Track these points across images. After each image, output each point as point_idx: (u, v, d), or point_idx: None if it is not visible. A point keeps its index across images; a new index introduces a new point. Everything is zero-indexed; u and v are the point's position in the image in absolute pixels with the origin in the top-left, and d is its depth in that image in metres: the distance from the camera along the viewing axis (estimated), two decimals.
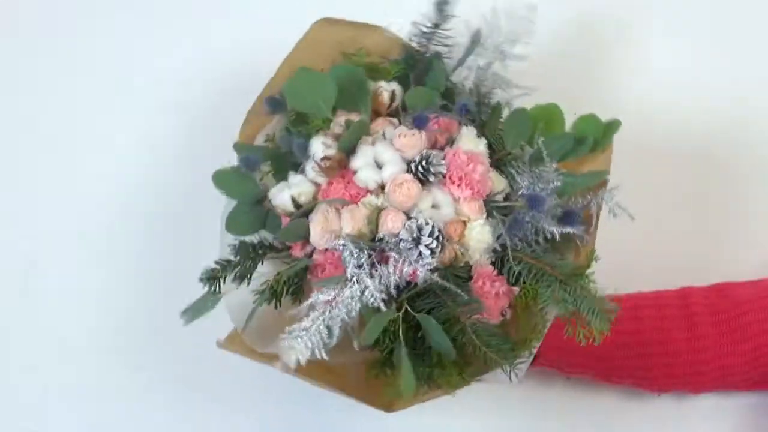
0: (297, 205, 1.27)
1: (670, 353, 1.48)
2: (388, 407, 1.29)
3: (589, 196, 1.26)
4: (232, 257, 1.29)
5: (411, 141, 1.29)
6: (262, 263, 1.30)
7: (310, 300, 1.16)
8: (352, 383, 1.28)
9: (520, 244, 1.35)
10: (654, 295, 1.54)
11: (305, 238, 1.26)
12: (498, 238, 1.34)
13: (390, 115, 1.34)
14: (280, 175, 1.37)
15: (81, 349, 1.67)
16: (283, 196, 1.28)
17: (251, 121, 1.37)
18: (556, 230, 1.34)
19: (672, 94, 1.76)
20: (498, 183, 1.38)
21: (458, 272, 1.30)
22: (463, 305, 1.20)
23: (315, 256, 1.32)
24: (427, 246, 1.26)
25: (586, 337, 1.21)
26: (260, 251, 1.32)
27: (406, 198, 1.24)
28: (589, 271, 1.25)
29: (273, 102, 1.40)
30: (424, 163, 1.31)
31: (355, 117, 1.35)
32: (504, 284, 1.32)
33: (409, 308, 1.22)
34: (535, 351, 1.25)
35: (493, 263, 1.34)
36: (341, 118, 1.37)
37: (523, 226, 1.33)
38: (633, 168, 1.45)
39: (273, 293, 1.24)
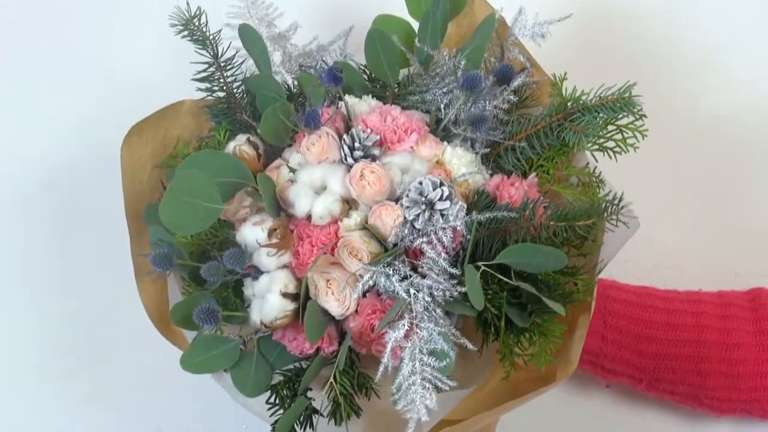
0: (292, 295, 1.14)
1: (735, 360, 1.37)
2: (552, 379, 1.18)
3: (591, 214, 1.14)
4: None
5: (322, 143, 1.17)
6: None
7: (388, 348, 1.05)
8: (499, 390, 1.22)
9: (497, 134, 1.22)
10: (718, 293, 1.49)
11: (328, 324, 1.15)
12: (473, 145, 1.22)
13: (266, 162, 1.24)
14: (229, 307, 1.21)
15: None
16: (269, 303, 1.14)
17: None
18: (507, 91, 1.23)
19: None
20: (425, 116, 1.25)
21: (481, 202, 1.16)
22: (514, 217, 1.11)
23: (353, 324, 1.13)
24: (441, 198, 1.10)
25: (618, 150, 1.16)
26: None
27: (378, 183, 1.12)
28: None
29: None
30: (356, 143, 1.16)
31: (242, 198, 1.19)
32: (520, 179, 1.19)
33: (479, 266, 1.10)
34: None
35: (495, 172, 1.21)
36: (236, 204, 1.19)
37: (483, 116, 1.20)
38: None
39: (337, 411, 1.14)
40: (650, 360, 1.42)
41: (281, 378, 1.17)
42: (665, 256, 1.58)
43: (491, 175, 1.20)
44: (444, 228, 1.10)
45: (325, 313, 1.13)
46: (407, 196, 1.11)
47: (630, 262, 1.48)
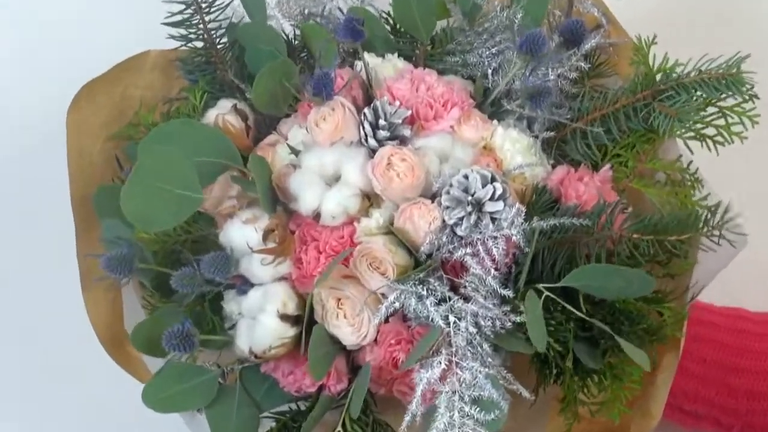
0: (292, 317, 1.08)
1: None
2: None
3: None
4: None
5: (335, 118, 1.10)
6: None
7: (418, 392, 1.00)
8: None
9: (563, 112, 1.17)
10: None
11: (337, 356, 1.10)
12: (531, 127, 1.16)
13: (256, 137, 1.19)
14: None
15: None
16: (263, 326, 1.08)
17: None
18: (576, 56, 1.17)
19: None
20: (468, 84, 1.19)
21: (541, 203, 1.10)
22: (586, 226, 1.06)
23: (370, 356, 1.08)
24: (492, 197, 1.03)
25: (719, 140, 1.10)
26: None
27: (410, 174, 1.05)
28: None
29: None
30: (380, 120, 1.08)
31: (227, 184, 1.13)
32: (590, 173, 1.13)
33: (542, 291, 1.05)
34: None
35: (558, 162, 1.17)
36: (217, 192, 1.14)
37: (545, 88, 1.14)
38: None
39: None
40: (742, 400, 1.35)
41: (272, 424, 1.12)
42: (760, 271, 1.51)
43: (553, 167, 1.14)
44: (495, 237, 1.03)
45: (335, 341, 1.07)
46: (448, 193, 1.04)
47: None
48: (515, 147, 1.11)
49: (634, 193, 1.14)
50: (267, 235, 1.07)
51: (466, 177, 1.03)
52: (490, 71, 1.15)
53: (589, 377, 1.09)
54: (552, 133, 1.14)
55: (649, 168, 1.15)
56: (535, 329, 0.98)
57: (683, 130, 1.12)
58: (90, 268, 1.19)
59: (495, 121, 1.13)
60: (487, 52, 1.16)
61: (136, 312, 1.18)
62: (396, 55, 1.19)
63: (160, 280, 1.12)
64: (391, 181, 1.04)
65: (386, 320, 1.05)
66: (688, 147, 1.14)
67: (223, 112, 1.15)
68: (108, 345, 1.21)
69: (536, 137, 1.14)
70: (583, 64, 1.16)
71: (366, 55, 1.16)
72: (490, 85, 1.15)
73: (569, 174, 1.11)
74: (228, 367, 1.10)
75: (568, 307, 1.03)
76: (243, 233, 1.08)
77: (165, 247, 1.15)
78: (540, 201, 1.08)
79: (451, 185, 1.03)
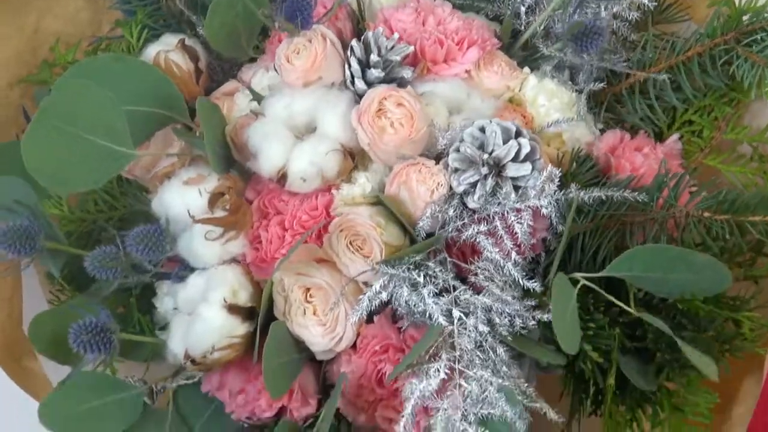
0: (244, 310, 1.11)
1: None
2: None
3: None
4: None
5: (312, 52, 1.14)
6: None
7: (408, 408, 1.02)
8: None
9: (617, 61, 1.20)
10: None
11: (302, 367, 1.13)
12: (574, 78, 1.20)
13: (207, 85, 1.24)
14: None
15: None
16: (204, 321, 1.10)
17: None
18: None
19: None
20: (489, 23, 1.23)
21: (583, 173, 1.14)
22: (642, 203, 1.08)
23: (347, 368, 1.10)
24: (516, 158, 1.06)
25: None
26: None
27: (407, 123, 1.08)
28: None
29: None
30: (372, 56, 1.11)
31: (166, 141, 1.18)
32: (652, 142, 1.17)
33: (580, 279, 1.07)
34: None
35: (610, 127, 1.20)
36: (154, 149, 1.19)
37: (595, 28, 1.16)
38: None
39: None
40: None
41: None
42: None
43: (602, 132, 1.17)
44: (519, 210, 1.05)
45: (300, 347, 1.10)
46: (458, 150, 1.06)
47: None
48: (551, 102, 1.15)
49: (708, 173, 1.17)
50: (215, 200, 1.10)
51: (482, 130, 1.06)
52: (522, 8, 1.19)
53: (640, 406, 1.10)
54: (602, 85, 1.17)
55: (730, 139, 1.18)
56: (564, 325, 1.00)
57: None
58: None
59: (526, 69, 1.16)
60: None
61: (41, 306, 1.20)
62: None
63: (73, 267, 1.15)
64: (383, 132, 1.07)
65: (369, 319, 1.08)
66: None
67: (167, 49, 1.18)
68: (1, 355, 1.22)
69: (580, 92, 1.17)
70: (647, 2, 1.18)
71: None
72: (521, 26, 1.19)
73: (623, 141, 1.14)
74: (158, 384, 1.12)
75: (615, 303, 1.06)
76: (183, 198, 1.11)
77: (82, 227, 1.19)
78: (581, 171, 1.12)
79: (461, 140, 1.06)
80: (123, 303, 1.18)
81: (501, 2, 1.21)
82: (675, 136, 1.16)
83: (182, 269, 1.13)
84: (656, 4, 1.23)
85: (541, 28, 1.18)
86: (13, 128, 1.26)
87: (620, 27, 1.19)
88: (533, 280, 1.04)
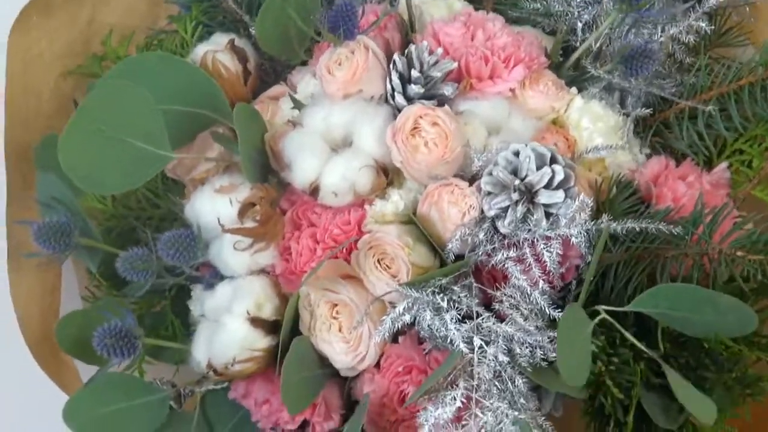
0: (268, 323, 1.11)
1: None
2: None
3: None
4: None
5: (354, 63, 1.13)
6: None
7: None
8: None
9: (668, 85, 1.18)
10: None
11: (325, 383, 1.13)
12: (624, 102, 1.19)
13: (256, 87, 1.24)
14: None
15: None
16: (227, 332, 1.10)
17: None
18: (695, 13, 1.17)
19: None
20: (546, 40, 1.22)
21: (620, 202, 1.12)
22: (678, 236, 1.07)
23: (369, 387, 1.10)
24: (549, 185, 1.04)
25: None
26: None
27: (441, 144, 1.08)
28: None
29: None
30: (413, 71, 1.10)
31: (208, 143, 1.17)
32: (698, 170, 1.16)
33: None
34: None
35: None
36: (195, 152, 1.18)
37: (648, 50, 1.14)
38: None
39: None
40: None
41: None
42: None
43: (648, 157, 1.16)
44: (549, 238, 1.04)
45: (324, 362, 1.09)
46: (491, 174, 1.05)
47: None
48: (596, 125, 1.13)
49: (756, 204, 1.15)
50: (245, 210, 1.09)
51: (516, 154, 1.05)
52: (579, 24, 1.18)
53: None
54: (649, 111, 1.16)
55: None
56: (571, 357, 0.99)
57: None
58: (20, 242, 1.21)
59: (574, 89, 1.15)
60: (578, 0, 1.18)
61: (77, 303, 1.21)
62: None
63: (111, 265, 1.14)
64: (416, 151, 1.07)
65: (395, 339, 1.08)
66: None
67: (215, 49, 1.18)
68: (36, 347, 1.22)
69: (627, 115, 1.15)
70: (704, 25, 1.16)
71: None
72: (575, 42, 1.18)
73: (668, 169, 1.12)
74: (186, 388, 1.12)
75: (635, 341, 1.05)
76: (214, 206, 1.11)
77: (123, 223, 1.19)
78: (620, 198, 1.10)
79: (495, 163, 1.05)
80: (158, 302, 1.18)
81: (558, 17, 1.19)
82: (723, 165, 1.15)
83: (213, 276, 1.13)
84: (714, 27, 1.21)
85: (596, 46, 1.16)
86: (63, 120, 1.23)
87: (676, 50, 1.17)
88: (559, 310, 1.02)
